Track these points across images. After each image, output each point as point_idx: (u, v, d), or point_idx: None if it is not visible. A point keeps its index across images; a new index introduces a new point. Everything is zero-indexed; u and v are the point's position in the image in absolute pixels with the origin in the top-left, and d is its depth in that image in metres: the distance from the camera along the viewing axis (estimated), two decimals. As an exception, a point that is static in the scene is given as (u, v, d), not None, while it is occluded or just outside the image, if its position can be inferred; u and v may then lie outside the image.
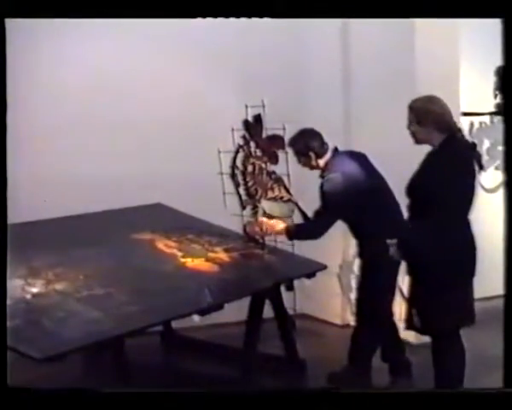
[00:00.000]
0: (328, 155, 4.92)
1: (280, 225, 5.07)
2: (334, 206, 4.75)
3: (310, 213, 5.06)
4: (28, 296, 4.02)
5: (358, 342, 5.08)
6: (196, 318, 4.32)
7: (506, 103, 3.64)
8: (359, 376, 5.07)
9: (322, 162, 4.92)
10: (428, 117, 4.09)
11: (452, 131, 4.11)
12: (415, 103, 4.17)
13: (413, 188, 4.10)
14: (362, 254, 4.96)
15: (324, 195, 4.77)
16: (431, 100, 4.15)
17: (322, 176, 4.88)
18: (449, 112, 4.14)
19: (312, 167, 4.96)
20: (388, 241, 4.19)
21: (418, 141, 4.19)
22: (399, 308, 4.70)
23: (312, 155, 4.90)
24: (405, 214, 4.33)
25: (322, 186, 4.79)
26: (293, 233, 5.01)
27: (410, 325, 4.26)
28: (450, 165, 4.01)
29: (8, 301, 3.81)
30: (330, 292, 6.48)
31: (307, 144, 4.91)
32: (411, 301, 4.22)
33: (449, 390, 3.73)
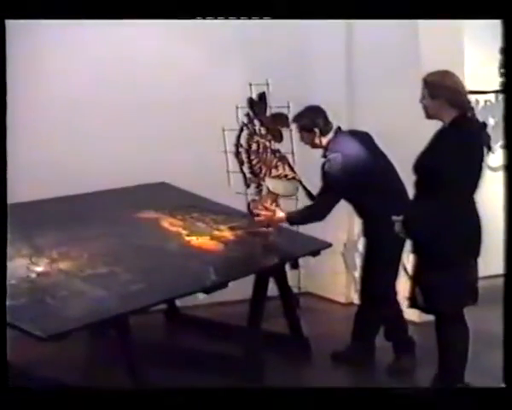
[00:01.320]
0: (330, 135, 4.91)
1: (279, 214, 5.05)
2: (336, 186, 4.75)
3: (314, 192, 5.06)
4: (32, 275, 4.03)
5: (362, 320, 5.10)
6: (201, 296, 4.35)
7: (506, 104, 3.67)
8: (363, 354, 5.09)
9: (324, 141, 4.90)
10: (442, 91, 4.07)
11: (464, 109, 4.10)
12: (429, 77, 4.15)
13: (420, 165, 4.09)
14: (366, 232, 4.95)
15: (325, 175, 4.77)
16: (446, 74, 4.13)
17: (324, 155, 4.87)
18: (463, 88, 4.13)
19: (315, 146, 4.95)
20: (394, 218, 4.18)
21: (429, 116, 4.17)
22: (403, 287, 4.68)
23: (317, 131, 4.88)
24: (411, 192, 4.32)
25: (323, 166, 4.79)
26: (295, 220, 5.00)
27: (413, 304, 4.26)
28: (459, 143, 3.99)
29: (13, 281, 3.85)
30: (335, 270, 6.49)
31: (313, 120, 4.89)
32: (415, 279, 4.22)
33: (448, 389, 3.75)
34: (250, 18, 3.71)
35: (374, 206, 4.78)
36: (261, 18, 3.70)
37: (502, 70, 6.46)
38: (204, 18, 3.64)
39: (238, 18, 3.70)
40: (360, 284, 5.12)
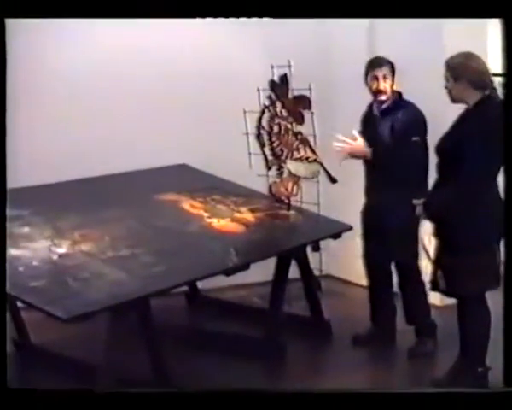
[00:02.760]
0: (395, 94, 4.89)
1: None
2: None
3: (335, 174, 5.05)
4: (55, 257, 4.04)
5: (382, 303, 5.09)
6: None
7: (506, 104, 3.65)
8: (384, 338, 5.09)
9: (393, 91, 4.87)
10: (465, 73, 4.05)
11: (488, 90, 4.07)
12: (452, 60, 4.13)
13: (443, 147, 4.08)
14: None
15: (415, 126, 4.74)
16: (469, 56, 4.10)
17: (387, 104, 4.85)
18: (486, 70, 4.10)
19: (385, 95, 4.87)
20: (415, 201, 4.17)
21: (454, 99, 4.15)
22: (425, 270, 4.67)
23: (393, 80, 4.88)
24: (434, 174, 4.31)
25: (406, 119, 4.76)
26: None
27: (435, 287, 4.26)
28: (482, 125, 3.97)
29: (35, 262, 3.89)
30: (356, 253, 6.42)
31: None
32: (437, 262, 4.20)
33: (449, 390, 3.70)
34: (250, 17, 3.67)
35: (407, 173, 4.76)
36: (261, 18, 3.67)
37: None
38: (204, 17, 3.63)
39: (238, 18, 3.67)
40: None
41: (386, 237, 4.84)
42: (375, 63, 4.89)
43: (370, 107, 5.01)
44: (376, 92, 4.88)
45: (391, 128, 4.81)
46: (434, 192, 4.21)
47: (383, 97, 4.87)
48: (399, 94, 4.90)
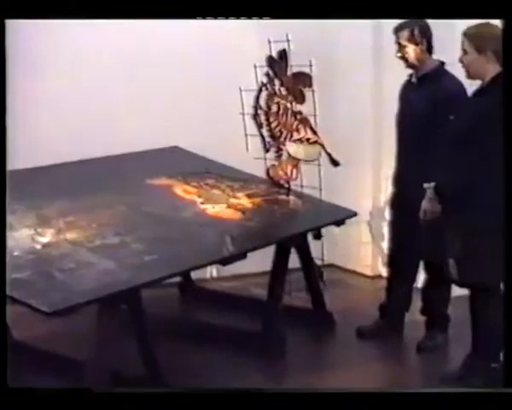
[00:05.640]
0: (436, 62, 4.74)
1: None
2: None
3: (338, 157, 5.01)
4: (38, 247, 4.01)
5: (392, 294, 5.07)
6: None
7: (506, 103, 3.65)
8: (391, 330, 5.07)
9: (427, 62, 4.72)
10: (488, 42, 3.96)
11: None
12: (471, 30, 4.03)
13: (457, 126, 4.03)
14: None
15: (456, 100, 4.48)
16: (489, 25, 4.01)
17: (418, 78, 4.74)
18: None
19: (412, 64, 4.75)
20: (425, 185, 4.14)
21: (471, 74, 4.09)
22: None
23: (425, 45, 4.69)
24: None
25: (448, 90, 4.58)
26: None
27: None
28: (499, 103, 3.91)
29: (16, 252, 3.85)
30: (360, 241, 6.45)
31: (425, 31, 4.69)
32: (448, 249, 4.16)
33: (449, 390, 3.75)
34: (250, 17, 3.83)
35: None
36: (261, 18, 3.83)
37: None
38: (204, 17, 3.74)
39: (238, 17, 3.80)
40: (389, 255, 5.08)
41: (417, 231, 4.65)
42: (394, 29, 4.76)
43: (411, 74, 4.86)
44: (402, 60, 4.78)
45: (426, 99, 4.64)
46: (446, 175, 4.17)
47: (407, 65, 4.76)
48: (442, 63, 4.73)
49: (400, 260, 4.99)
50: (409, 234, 4.80)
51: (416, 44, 4.68)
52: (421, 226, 4.50)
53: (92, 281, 3.74)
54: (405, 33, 4.68)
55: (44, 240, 4.08)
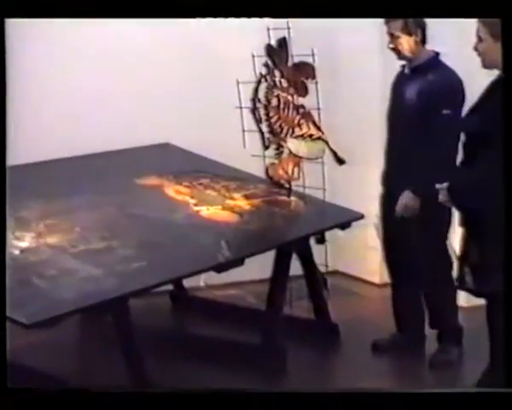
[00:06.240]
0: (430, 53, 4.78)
1: None
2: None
3: (342, 154, 4.99)
4: (16, 252, 4.01)
5: (409, 306, 5.06)
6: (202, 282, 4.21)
7: (506, 103, 3.68)
8: (410, 345, 5.06)
9: (421, 53, 4.75)
10: None
11: None
12: None
13: (471, 122, 4.02)
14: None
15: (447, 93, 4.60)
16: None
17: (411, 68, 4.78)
18: None
19: (403, 56, 4.79)
20: (438, 186, 4.13)
21: (486, 63, 4.09)
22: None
23: (419, 36, 4.72)
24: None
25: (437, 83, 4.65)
26: None
27: (462, 285, 4.23)
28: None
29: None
30: (367, 245, 6.43)
31: (420, 20, 4.70)
32: (464, 257, 4.17)
33: (449, 390, 3.85)
34: (250, 17, 3.85)
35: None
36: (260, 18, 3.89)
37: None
38: (204, 17, 3.81)
39: (238, 17, 3.82)
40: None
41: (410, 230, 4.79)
42: (386, 19, 4.79)
43: (404, 65, 4.91)
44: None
45: (418, 91, 4.70)
46: (460, 174, 4.16)
47: (399, 57, 4.80)
48: (437, 54, 4.78)
49: (397, 264, 5.03)
50: (401, 236, 4.86)
51: (410, 35, 4.72)
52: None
53: (75, 290, 3.74)
54: (398, 23, 4.71)
55: (23, 245, 4.08)
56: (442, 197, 4.14)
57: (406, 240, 4.84)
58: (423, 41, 4.76)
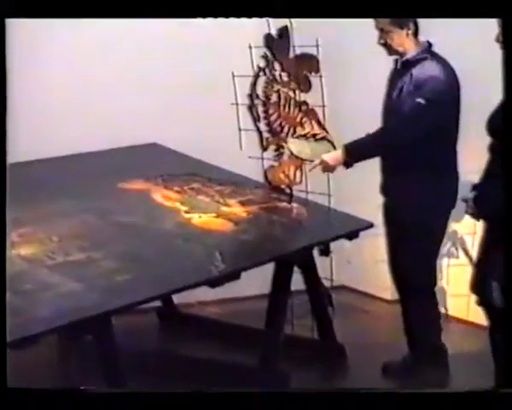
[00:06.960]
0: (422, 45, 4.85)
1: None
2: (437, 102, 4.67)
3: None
4: (-15, 264, 3.99)
5: (417, 323, 5.09)
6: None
7: (506, 104, 3.81)
8: (423, 366, 5.05)
9: (413, 46, 4.81)
10: None
11: None
12: None
13: (497, 123, 4.03)
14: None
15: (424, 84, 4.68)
16: None
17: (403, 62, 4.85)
18: None
19: (395, 50, 4.85)
20: (462, 196, 4.25)
21: (393, 51, 4.37)
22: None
23: (411, 29, 4.79)
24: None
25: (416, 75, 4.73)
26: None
27: (484, 301, 4.22)
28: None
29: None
30: (377, 258, 6.39)
31: None
32: (490, 271, 4.16)
33: (449, 390, 4.19)
34: (250, 17, 4.05)
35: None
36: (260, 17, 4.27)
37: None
38: (204, 17, 4.00)
39: (238, 17, 3.98)
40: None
41: (405, 239, 4.91)
42: None
43: (396, 60, 4.97)
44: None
45: (401, 87, 4.81)
46: (487, 182, 4.17)
47: (390, 53, 4.88)
48: (429, 45, 4.85)
49: (402, 278, 5.09)
50: (403, 248, 4.97)
51: (402, 28, 4.78)
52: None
53: (53, 306, 3.72)
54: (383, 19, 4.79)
55: (-6, 256, 4.06)
56: (468, 208, 4.19)
57: (404, 251, 4.94)
58: (415, 33, 4.82)
